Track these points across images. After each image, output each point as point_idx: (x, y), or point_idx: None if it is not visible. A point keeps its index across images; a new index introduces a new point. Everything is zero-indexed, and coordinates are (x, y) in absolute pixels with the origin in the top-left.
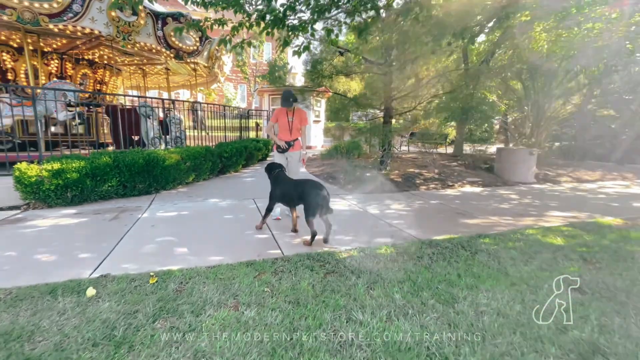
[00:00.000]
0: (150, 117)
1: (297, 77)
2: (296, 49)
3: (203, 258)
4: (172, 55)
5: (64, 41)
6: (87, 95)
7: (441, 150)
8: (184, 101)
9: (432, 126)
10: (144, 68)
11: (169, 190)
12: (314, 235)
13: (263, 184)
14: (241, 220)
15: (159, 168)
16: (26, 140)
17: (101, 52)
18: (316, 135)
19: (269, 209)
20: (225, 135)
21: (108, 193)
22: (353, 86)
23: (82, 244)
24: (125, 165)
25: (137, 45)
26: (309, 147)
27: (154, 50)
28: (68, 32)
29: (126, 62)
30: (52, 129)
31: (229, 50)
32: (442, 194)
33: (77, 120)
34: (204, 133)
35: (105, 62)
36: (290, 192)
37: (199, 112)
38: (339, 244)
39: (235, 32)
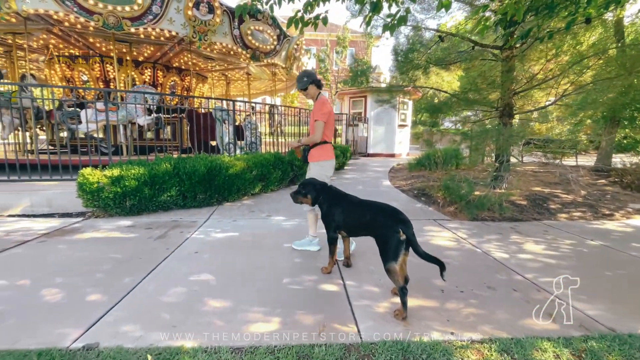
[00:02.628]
0: (226, 121)
1: (382, 77)
2: (388, 21)
3: (235, 325)
4: (248, 55)
5: (152, 48)
6: (171, 100)
7: (567, 161)
8: (257, 103)
9: (551, 130)
10: (227, 74)
11: (232, 202)
12: (404, 294)
13: None
14: (304, 253)
15: (221, 177)
16: (118, 145)
17: (185, 59)
18: (401, 142)
19: (331, 242)
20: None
21: (167, 203)
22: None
23: (103, 275)
24: (185, 173)
25: (215, 46)
26: (392, 155)
27: (231, 52)
28: (152, 36)
29: (209, 67)
30: (149, 134)
31: (299, 29)
32: (598, 228)
33: (153, 126)
34: (281, 139)
35: (191, 68)
36: (356, 216)
37: (276, 115)
38: (453, 324)
39: (309, 8)
